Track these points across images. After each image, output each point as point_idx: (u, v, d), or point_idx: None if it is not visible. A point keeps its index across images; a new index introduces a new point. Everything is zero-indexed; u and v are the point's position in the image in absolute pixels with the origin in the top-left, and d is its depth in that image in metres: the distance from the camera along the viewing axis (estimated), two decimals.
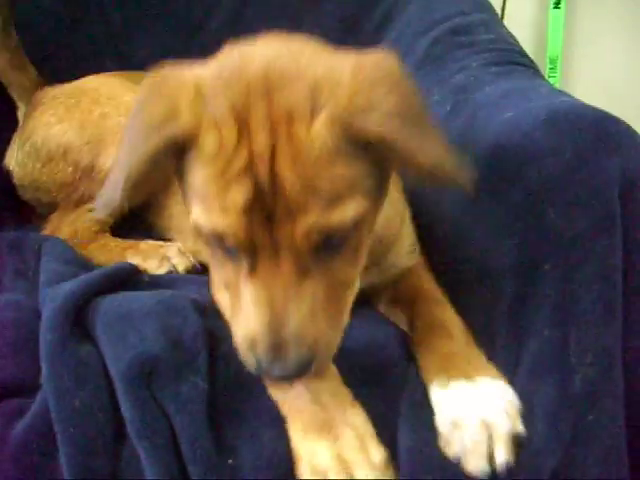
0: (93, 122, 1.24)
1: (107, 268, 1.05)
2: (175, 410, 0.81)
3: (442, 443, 0.80)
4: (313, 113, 0.70)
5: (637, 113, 1.87)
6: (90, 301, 0.93)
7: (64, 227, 1.25)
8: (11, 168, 1.34)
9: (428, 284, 1.01)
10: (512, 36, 1.38)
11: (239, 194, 0.69)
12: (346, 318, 0.79)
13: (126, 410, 0.81)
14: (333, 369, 0.85)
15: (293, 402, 0.82)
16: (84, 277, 0.98)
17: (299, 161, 0.68)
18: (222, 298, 0.82)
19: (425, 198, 1.06)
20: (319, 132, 0.69)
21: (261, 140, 0.69)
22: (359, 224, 0.74)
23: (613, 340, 0.87)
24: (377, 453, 0.78)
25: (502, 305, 0.90)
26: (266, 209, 0.69)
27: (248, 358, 0.73)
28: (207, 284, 0.89)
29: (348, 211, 0.71)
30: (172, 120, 0.72)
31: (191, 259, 1.17)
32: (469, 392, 0.82)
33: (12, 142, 1.35)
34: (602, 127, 0.91)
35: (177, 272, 1.15)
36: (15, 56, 1.39)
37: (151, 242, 1.22)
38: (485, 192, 0.94)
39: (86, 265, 1.14)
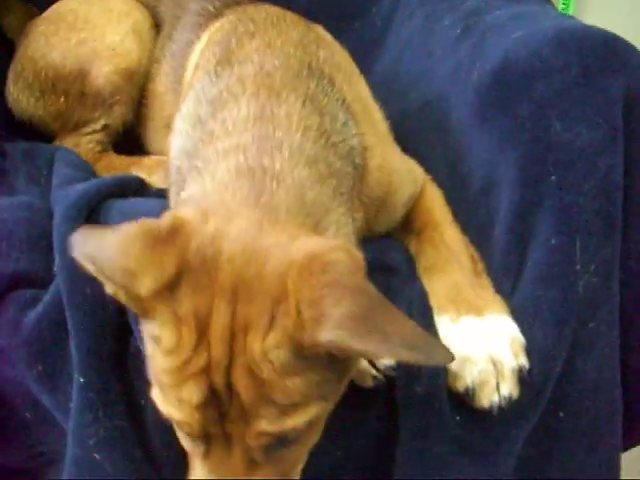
0: (72, 51, 1.26)
1: (117, 176, 1.08)
2: None
3: (451, 378, 0.83)
4: (269, 327, 0.66)
5: None
6: (102, 202, 0.96)
7: (71, 147, 1.27)
8: (9, 106, 1.34)
9: (436, 207, 1.02)
10: None
11: (194, 393, 0.67)
12: None
13: None
14: None
15: None
16: (96, 180, 1.02)
17: (253, 373, 0.66)
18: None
19: (432, 114, 1.08)
20: (271, 349, 0.66)
21: (219, 348, 0.67)
22: (314, 422, 0.72)
23: (612, 254, 0.91)
24: None
25: (506, 214, 0.92)
26: (220, 408, 0.68)
27: None
28: None
29: (302, 417, 0.69)
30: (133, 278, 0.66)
31: None
32: (478, 328, 0.85)
33: (8, 78, 1.34)
34: (608, 46, 0.93)
35: None
36: None
37: (154, 157, 1.25)
38: (492, 105, 0.96)
39: (96, 174, 1.16)
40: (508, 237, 0.91)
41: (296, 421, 0.69)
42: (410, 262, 0.96)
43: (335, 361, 0.68)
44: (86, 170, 1.14)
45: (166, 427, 0.82)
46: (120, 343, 0.84)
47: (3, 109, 1.32)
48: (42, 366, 0.84)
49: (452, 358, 0.66)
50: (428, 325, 0.86)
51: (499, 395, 0.81)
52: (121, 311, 0.85)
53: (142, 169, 1.21)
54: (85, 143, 1.27)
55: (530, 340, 0.86)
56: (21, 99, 1.30)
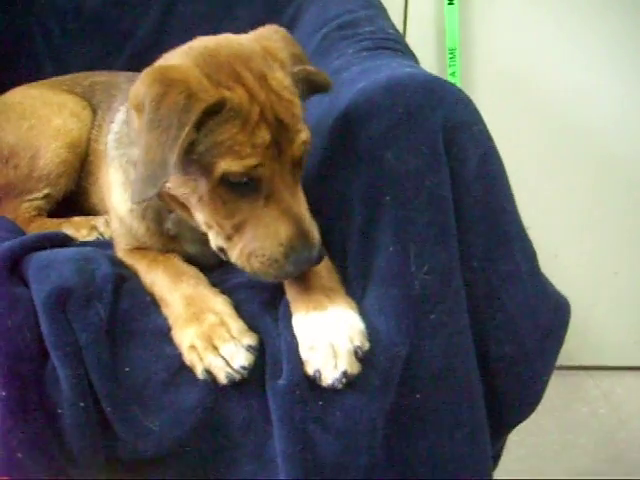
0: (24, 134, 1.50)
1: (41, 232, 1.27)
2: (81, 329, 1.02)
3: (304, 365, 1.01)
4: (277, 70, 1.05)
5: (533, 94, 2.11)
6: (25, 255, 1.14)
7: (6, 215, 1.48)
8: None
9: None
10: (394, 27, 1.61)
11: (264, 134, 0.99)
12: None
13: (44, 328, 1.02)
14: (203, 277, 1.11)
15: (174, 309, 1.05)
16: (21, 238, 1.20)
17: (284, 101, 1.02)
18: (230, 245, 1.05)
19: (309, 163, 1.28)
20: (283, 78, 1.04)
21: (260, 95, 1.00)
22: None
23: (448, 257, 1.08)
24: (234, 325, 1.01)
25: (354, 230, 1.10)
26: (277, 143, 1.00)
27: (282, 265, 1.01)
28: None
29: (308, 131, 1.05)
30: (195, 97, 0.95)
31: None
32: (322, 321, 1.03)
33: None
34: (429, 87, 1.13)
35: (104, 239, 1.37)
36: None
37: (82, 217, 1.45)
38: (338, 146, 1.16)
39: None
40: (357, 249, 1.10)
41: (307, 133, 1.05)
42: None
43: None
44: (17, 232, 1.33)
45: (80, 433, 1.00)
46: (38, 364, 1.02)
47: None
48: None
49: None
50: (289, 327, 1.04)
51: (338, 372, 0.98)
52: (38, 337, 1.02)
53: (71, 225, 1.42)
54: (24, 209, 1.48)
55: (377, 332, 1.03)
56: None
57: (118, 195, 1.21)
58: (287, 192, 1.02)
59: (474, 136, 1.12)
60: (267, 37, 1.12)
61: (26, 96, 1.57)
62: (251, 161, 0.98)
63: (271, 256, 1.01)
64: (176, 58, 1.04)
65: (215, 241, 1.06)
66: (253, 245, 1.01)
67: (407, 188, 1.08)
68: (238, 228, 1.03)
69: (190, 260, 1.20)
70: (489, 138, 1.14)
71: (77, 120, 1.53)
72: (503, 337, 1.12)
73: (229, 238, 1.04)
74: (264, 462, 1.04)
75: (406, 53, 1.46)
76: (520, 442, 1.83)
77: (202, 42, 1.07)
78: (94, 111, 1.58)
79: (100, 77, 1.66)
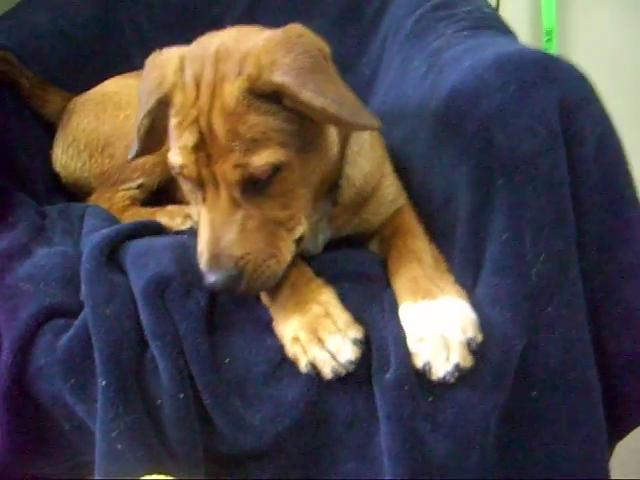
0: (120, 124, 1.48)
1: (137, 221, 1.26)
2: (180, 319, 0.99)
3: (413, 358, 0.95)
4: (237, 76, 0.93)
5: (633, 79, 1.99)
6: (122, 243, 1.13)
7: (101, 203, 1.46)
8: (57, 171, 1.56)
9: (408, 221, 1.17)
10: (490, 6, 1.53)
11: (189, 138, 0.94)
12: (285, 254, 1.00)
13: (144, 317, 1.00)
14: (307, 267, 1.04)
15: (275, 300, 1.01)
16: (117, 226, 1.19)
17: (224, 113, 0.92)
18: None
19: (402, 152, 1.23)
20: (235, 89, 0.92)
21: (204, 99, 0.94)
22: (283, 172, 0.95)
23: (565, 244, 1.01)
24: (340, 316, 0.95)
25: (463, 216, 1.04)
26: (206, 150, 0.94)
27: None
28: None
29: (264, 157, 0.93)
30: (161, 85, 0.99)
31: None
32: (432, 310, 0.97)
33: (55, 147, 1.56)
34: (542, 63, 1.05)
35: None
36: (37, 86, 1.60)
37: (176, 205, 1.42)
38: (445, 128, 1.10)
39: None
40: (466, 236, 1.03)
41: (259, 160, 0.92)
42: (386, 272, 1.09)
43: (292, 115, 0.93)
44: (111, 221, 1.32)
45: (180, 425, 0.97)
46: (136, 353, 0.99)
47: (43, 177, 1.53)
48: (75, 379, 0.99)
49: (378, 124, 0.94)
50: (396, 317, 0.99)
51: (450, 365, 0.92)
52: (137, 326, 1.00)
53: (165, 215, 1.38)
54: (118, 198, 1.46)
55: (490, 325, 0.97)
56: (69, 164, 1.52)
57: None
58: (214, 202, 0.96)
59: (592, 115, 1.04)
60: (269, 38, 0.95)
61: (123, 86, 1.54)
62: (177, 159, 0.97)
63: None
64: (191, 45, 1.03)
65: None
66: None
67: (521, 171, 1.01)
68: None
69: None
70: (607, 117, 1.06)
71: None
72: (622, 331, 1.05)
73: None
74: (368, 460, 0.98)
75: (507, 32, 1.38)
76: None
77: (214, 34, 1.03)
78: None
79: None
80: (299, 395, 0.96)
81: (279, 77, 0.90)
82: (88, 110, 1.52)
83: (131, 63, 1.73)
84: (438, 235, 1.07)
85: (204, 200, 0.98)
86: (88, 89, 1.59)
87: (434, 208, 1.10)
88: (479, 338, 0.95)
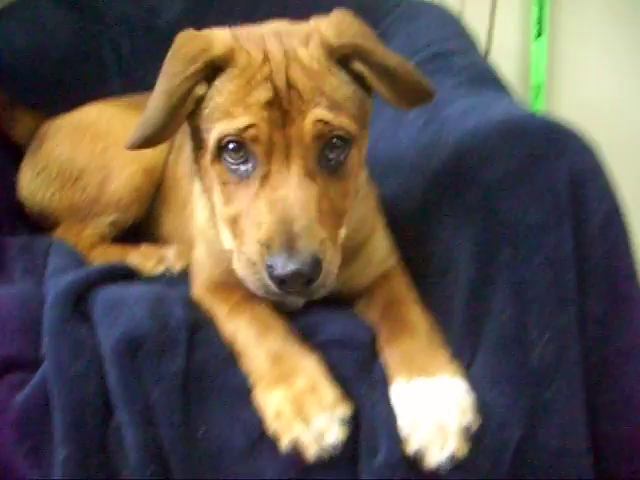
0: (97, 155, 1.39)
1: (106, 264, 1.16)
2: (153, 383, 0.90)
3: (404, 443, 0.88)
4: (307, 44, 0.93)
5: (621, 135, 1.98)
6: (90, 290, 1.03)
7: (68, 238, 1.36)
8: (23, 198, 1.45)
9: (401, 286, 1.09)
10: (486, 61, 1.49)
11: (262, 93, 0.88)
12: (339, 245, 0.92)
13: (111, 379, 0.90)
14: (292, 332, 0.97)
15: (257, 367, 0.93)
16: (85, 269, 1.10)
17: (306, 71, 0.90)
18: (227, 236, 0.95)
19: (394, 205, 1.17)
20: (314, 52, 0.92)
21: (278, 60, 0.90)
22: (352, 148, 0.93)
23: (568, 322, 0.96)
24: (327, 392, 0.87)
25: (464, 288, 0.98)
26: (282, 109, 0.87)
27: (259, 270, 0.86)
28: None
29: (344, 119, 0.90)
30: (208, 50, 0.91)
31: (186, 261, 1.27)
32: (427, 390, 0.90)
33: (22, 172, 1.46)
34: (551, 132, 1.01)
35: (173, 272, 1.25)
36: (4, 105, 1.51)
37: (151, 245, 1.33)
38: (447, 193, 1.04)
39: (88, 264, 1.25)
40: (466, 310, 0.98)
41: (340, 119, 0.89)
42: (374, 340, 1.02)
43: (358, 91, 0.94)
44: (78, 260, 1.22)
45: None
46: (101, 419, 0.90)
47: (3, 204, 1.43)
48: (30, 443, 0.89)
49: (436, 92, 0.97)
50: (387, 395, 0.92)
51: (444, 455, 0.85)
52: (103, 390, 0.91)
53: (138, 255, 1.29)
54: (87, 234, 1.36)
55: (488, 408, 0.91)
56: (37, 192, 1.42)
57: (201, 208, 1.10)
58: (283, 176, 0.87)
59: (600, 189, 1.01)
60: (327, 17, 0.97)
61: (103, 114, 1.46)
62: (242, 120, 0.88)
63: (250, 256, 0.87)
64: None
65: (228, 243, 0.95)
66: (241, 242, 0.90)
67: (527, 244, 0.96)
68: (236, 220, 0.91)
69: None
70: (615, 192, 1.02)
71: None
72: (619, 415, 1.00)
73: (235, 236, 0.92)
74: None
75: (504, 89, 1.35)
76: None
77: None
78: None
79: None
80: (278, 475, 0.88)
81: (353, 39, 0.93)
82: (63, 136, 1.42)
83: (109, 87, 1.64)
84: (434, 304, 1.01)
85: (266, 176, 0.88)
86: (63, 112, 1.50)
87: (431, 275, 1.04)
88: (476, 425, 0.88)
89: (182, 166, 1.37)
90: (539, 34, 1.87)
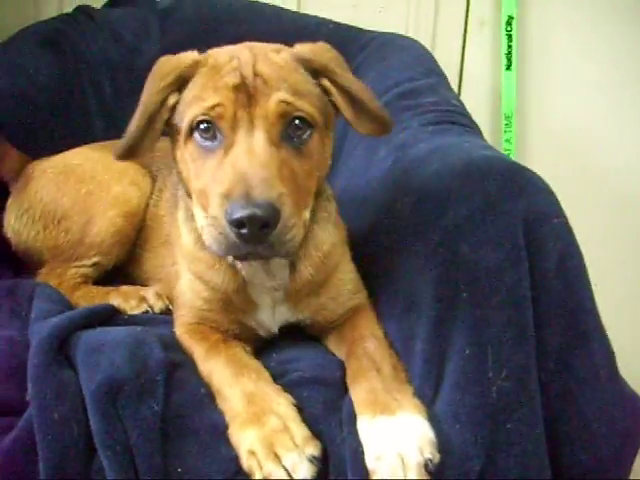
0: (81, 198, 1.44)
1: (89, 307, 1.21)
2: (133, 426, 0.95)
3: (370, 474, 0.93)
4: (279, 52, 1.07)
5: (588, 162, 2.04)
6: (72, 334, 1.08)
7: (51, 279, 1.41)
8: (8, 236, 1.50)
9: (368, 323, 1.16)
10: (456, 98, 1.55)
11: (230, 79, 1.00)
12: (305, 217, 1.03)
13: (94, 423, 0.95)
14: (265, 372, 1.03)
15: (232, 407, 0.98)
16: (68, 313, 1.14)
17: (274, 66, 1.03)
18: (199, 215, 1.04)
19: (364, 243, 1.22)
20: (284, 56, 1.06)
21: (246, 57, 1.03)
22: (314, 134, 1.04)
23: (526, 359, 1.00)
24: (298, 431, 0.93)
25: (425, 327, 1.03)
26: (248, 93, 0.99)
27: (220, 224, 0.94)
28: None
29: (306, 103, 1.02)
30: (178, 66, 1.06)
31: (166, 301, 1.32)
32: (390, 428, 0.95)
33: (7, 211, 1.50)
34: (509, 175, 1.06)
35: (153, 312, 1.30)
36: None
37: (132, 286, 1.38)
38: (410, 233, 1.09)
39: (72, 306, 1.29)
40: (428, 348, 1.02)
41: (302, 104, 1.01)
42: (344, 375, 1.07)
43: (323, 98, 1.07)
44: (62, 303, 1.26)
45: None
46: (85, 461, 0.94)
47: None
48: None
49: (394, 125, 1.11)
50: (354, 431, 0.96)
51: None
52: (87, 431, 0.95)
53: (119, 295, 1.34)
54: (70, 275, 1.41)
55: (450, 442, 0.96)
56: (22, 231, 1.46)
57: (185, 235, 1.18)
58: (247, 143, 0.98)
59: (555, 229, 1.05)
60: (305, 45, 1.11)
61: (87, 159, 1.50)
62: (211, 101, 1.00)
63: (211, 212, 0.96)
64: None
65: (199, 220, 1.03)
66: (207, 209, 0.99)
67: (485, 285, 1.01)
68: (204, 192, 1.00)
69: (253, 330, 1.16)
70: (570, 232, 1.07)
71: (137, 189, 1.47)
72: (577, 443, 1.04)
73: (204, 209, 1.01)
74: None
75: (472, 128, 1.40)
76: None
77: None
78: (153, 178, 1.51)
79: (160, 142, 1.61)
80: None
81: (325, 60, 1.07)
82: (48, 179, 1.47)
83: (92, 129, 1.69)
84: (399, 340, 1.06)
85: (230, 145, 0.99)
86: (47, 154, 1.54)
87: (396, 313, 1.09)
88: (437, 458, 0.93)
89: (163, 205, 1.43)
90: (509, 66, 1.93)
